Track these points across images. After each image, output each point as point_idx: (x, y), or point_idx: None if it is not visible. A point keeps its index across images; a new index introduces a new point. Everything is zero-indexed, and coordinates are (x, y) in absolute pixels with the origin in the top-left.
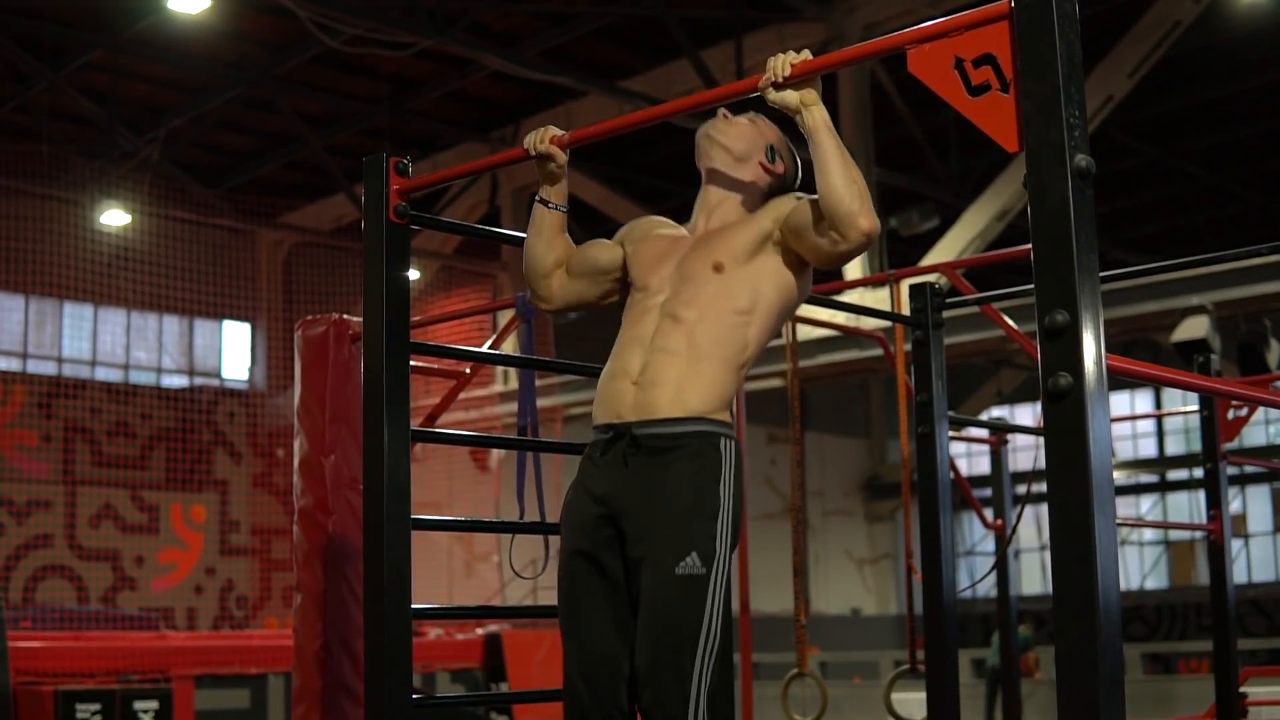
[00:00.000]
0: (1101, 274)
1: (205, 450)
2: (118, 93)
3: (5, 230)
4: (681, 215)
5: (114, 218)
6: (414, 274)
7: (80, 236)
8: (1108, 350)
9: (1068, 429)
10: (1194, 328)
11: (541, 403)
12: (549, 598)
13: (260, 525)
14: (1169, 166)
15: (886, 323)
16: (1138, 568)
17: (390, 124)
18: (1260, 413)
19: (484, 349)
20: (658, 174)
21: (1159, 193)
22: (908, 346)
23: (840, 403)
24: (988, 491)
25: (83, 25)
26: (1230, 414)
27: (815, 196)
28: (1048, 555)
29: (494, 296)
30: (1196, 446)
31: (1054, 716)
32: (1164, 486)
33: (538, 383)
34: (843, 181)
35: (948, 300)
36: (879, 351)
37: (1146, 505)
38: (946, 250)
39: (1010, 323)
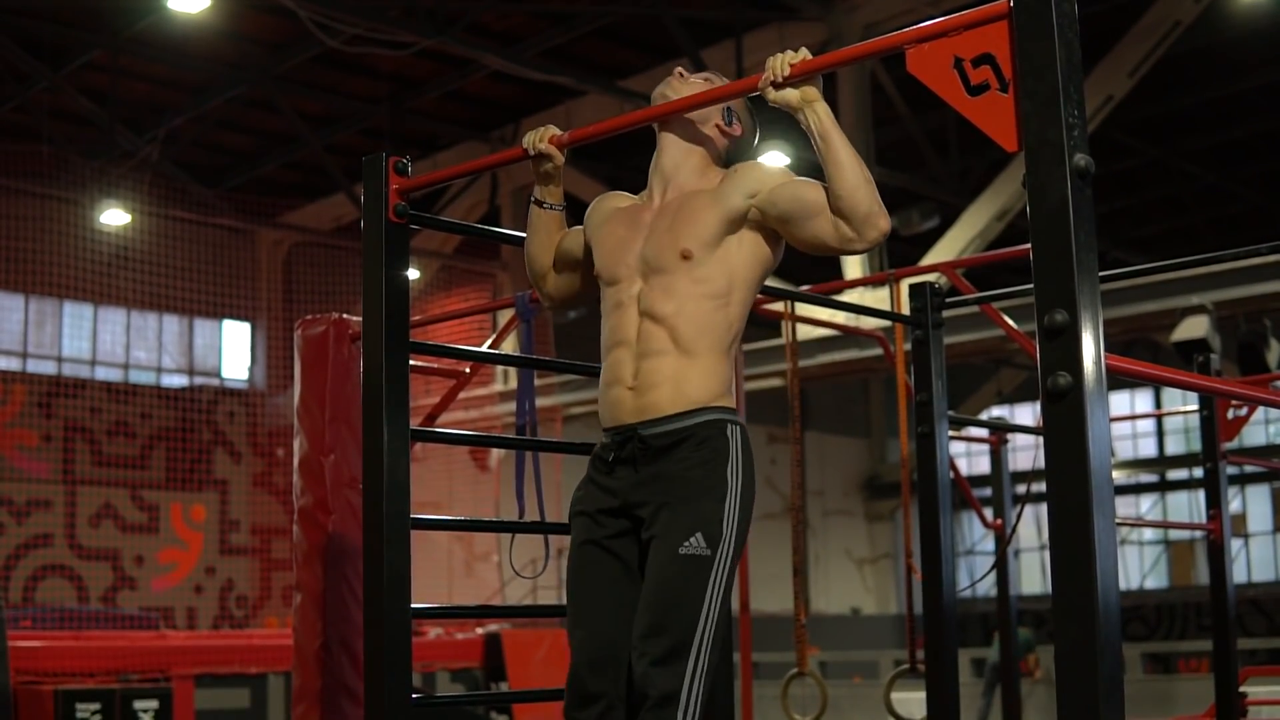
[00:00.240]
0: (1101, 274)
1: (205, 450)
2: (118, 92)
3: (5, 230)
4: None
5: (114, 217)
6: (414, 273)
7: (80, 236)
8: (1107, 350)
9: (1067, 428)
10: (1194, 327)
11: (541, 402)
12: (549, 597)
13: (260, 525)
14: (1169, 166)
15: (886, 322)
16: (1137, 567)
17: (390, 123)
18: (1260, 412)
19: (483, 348)
20: None
21: (1159, 192)
22: (908, 346)
23: (840, 402)
24: (987, 491)
25: (83, 25)
26: (1230, 413)
27: (804, 179)
28: (1047, 555)
29: (493, 296)
30: (1196, 446)
31: (1054, 716)
32: (1164, 486)
33: (537, 382)
34: (859, 180)
35: (948, 300)
36: (879, 351)
37: (1146, 505)
38: (946, 250)
39: (1010, 322)
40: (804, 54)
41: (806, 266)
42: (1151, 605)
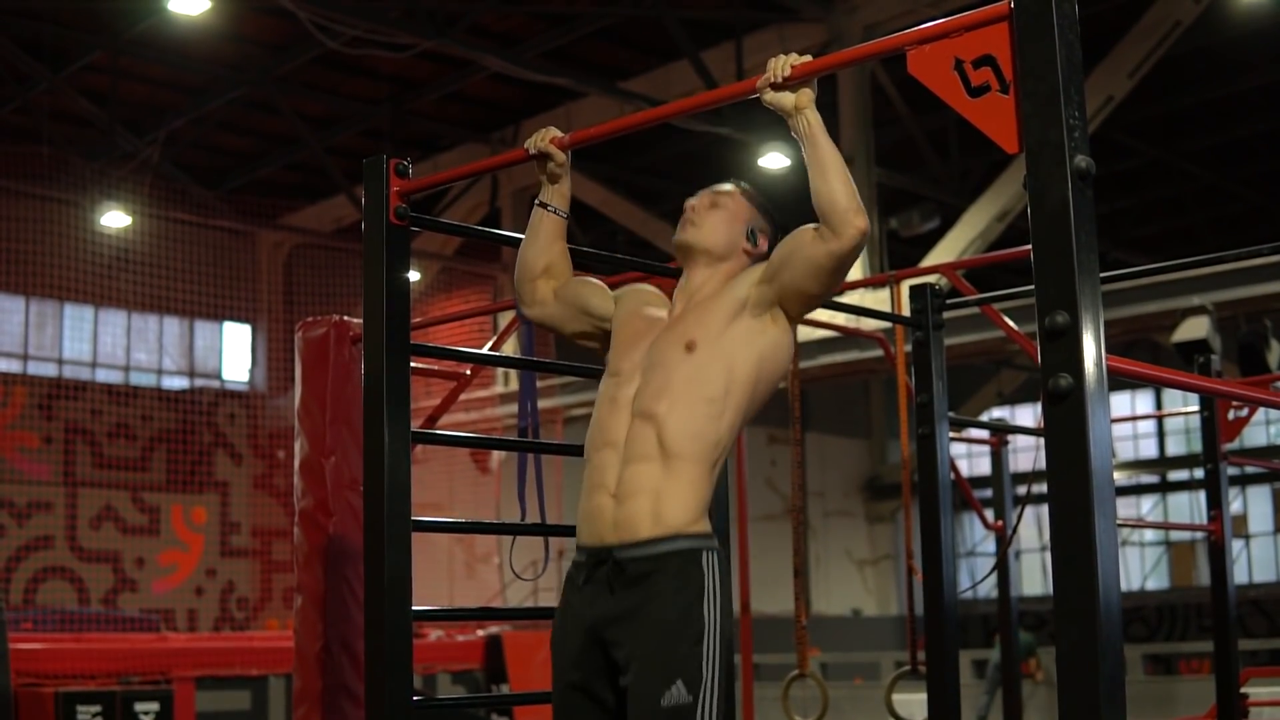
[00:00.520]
0: (1102, 274)
1: (206, 452)
2: (118, 94)
3: (5, 232)
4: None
5: (114, 219)
6: (414, 275)
7: (80, 238)
8: (1108, 351)
9: (1068, 430)
10: (1194, 328)
11: (542, 404)
12: (550, 599)
13: (261, 527)
14: (1169, 167)
15: (887, 324)
16: (1138, 568)
17: (390, 125)
18: (1261, 413)
19: (484, 350)
20: (658, 175)
21: (1159, 193)
22: (908, 347)
23: (841, 403)
24: (988, 492)
25: (83, 27)
26: (1231, 414)
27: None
28: (1048, 556)
29: (494, 298)
30: (1197, 447)
31: (1055, 717)
32: (1165, 487)
33: (538, 384)
34: (840, 182)
35: (948, 301)
36: (879, 352)
37: (1147, 506)
38: (947, 251)
39: (1010, 323)
40: (806, 58)
41: None
42: (1152, 606)
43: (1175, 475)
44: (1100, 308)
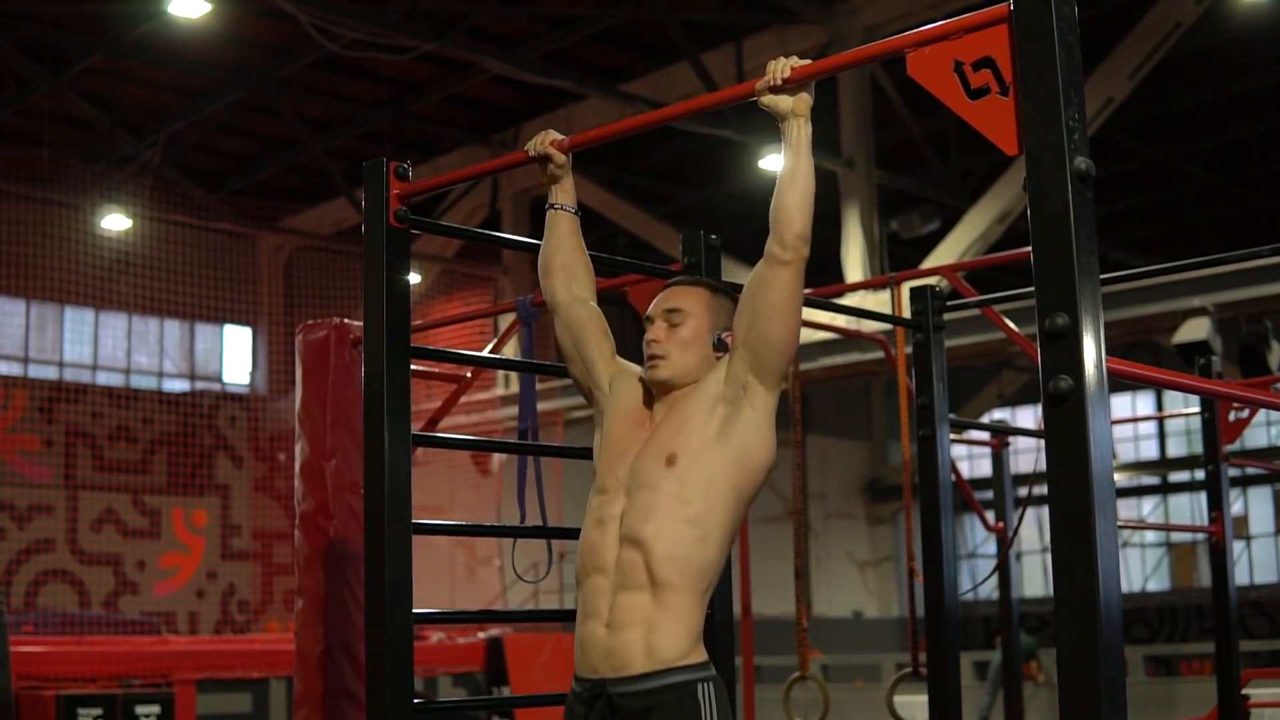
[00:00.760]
0: (1102, 276)
1: (206, 454)
2: (118, 97)
3: (6, 235)
4: (681, 219)
5: (115, 222)
6: (415, 278)
7: (81, 241)
8: (1109, 352)
9: (1069, 432)
10: (1195, 329)
11: (543, 406)
12: (551, 601)
13: (261, 529)
14: (1169, 168)
15: (887, 325)
16: (1139, 569)
17: (391, 128)
18: (1261, 414)
19: (485, 353)
20: (658, 177)
21: (1159, 194)
22: (909, 349)
23: (841, 405)
24: (989, 494)
25: (83, 30)
26: (1231, 416)
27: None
28: (1049, 557)
29: (495, 300)
30: (1198, 448)
31: (1056, 719)
32: (1165, 488)
33: (539, 386)
34: (806, 202)
35: (948, 303)
36: (880, 354)
37: (1148, 507)
38: (947, 253)
39: (1011, 325)
40: (805, 61)
41: (807, 270)
42: (1153, 607)
43: (1176, 477)
44: (1100, 309)
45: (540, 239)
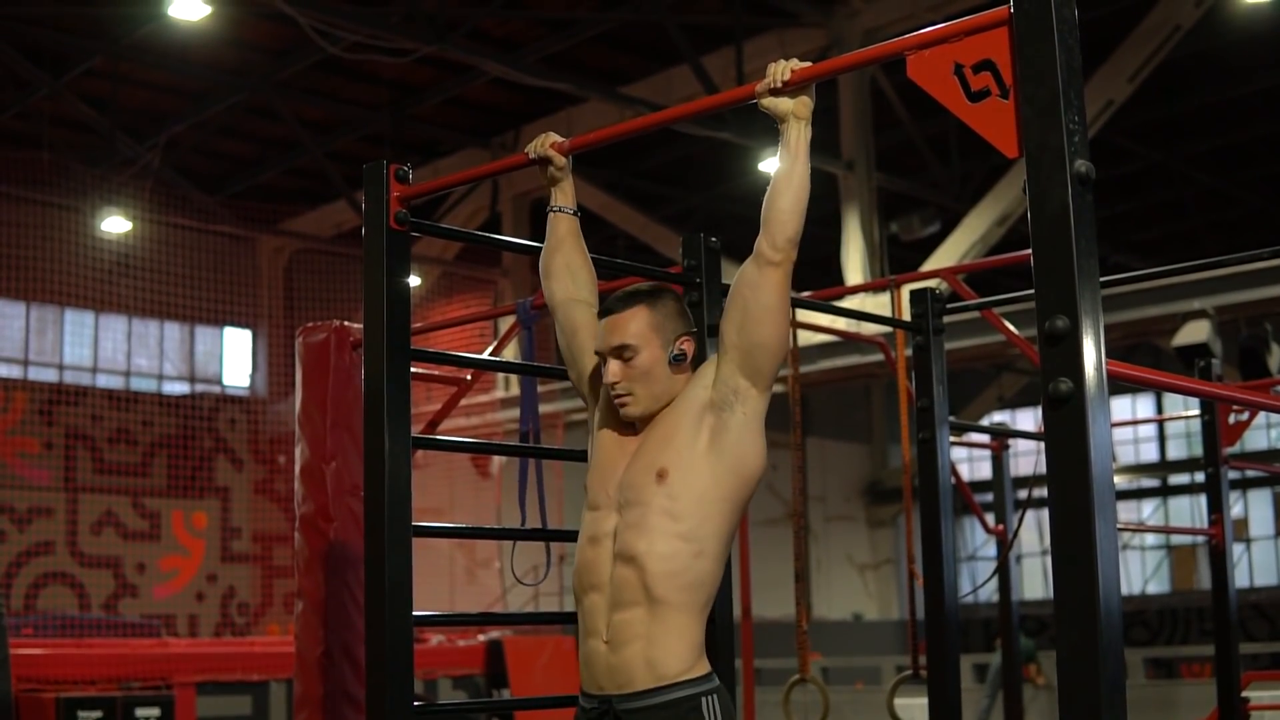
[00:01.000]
0: (1102, 279)
1: (206, 457)
2: (118, 99)
3: (6, 237)
4: (681, 221)
5: (115, 224)
6: (415, 280)
7: (81, 243)
8: (1109, 355)
9: (1069, 434)
10: (1195, 332)
11: (543, 409)
12: (551, 604)
13: (261, 532)
14: (1169, 171)
15: (887, 328)
16: (1139, 572)
17: (391, 130)
18: (1261, 417)
19: (485, 355)
20: (658, 180)
21: (1159, 197)
22: (909, 351)
23: (841, 408)
24: (989, 496)
25: (83, 32)
26: (1231, 418)
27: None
28: (1049, 560)
29: (495, 303)
30: (1198, 451)
31: None
32: (1165, 491)
33: (539, 389)
34: (801, 207)
35: (948, 305)
36: (880, 357)
37: (1148, 509)
38: (947, 255)
39: (1011, 328)
40: (805, 63)
41: (807, 272)
42: (1153, 610)
43: (1176, 479)
44: (1100, 312)
45: (540, 241)
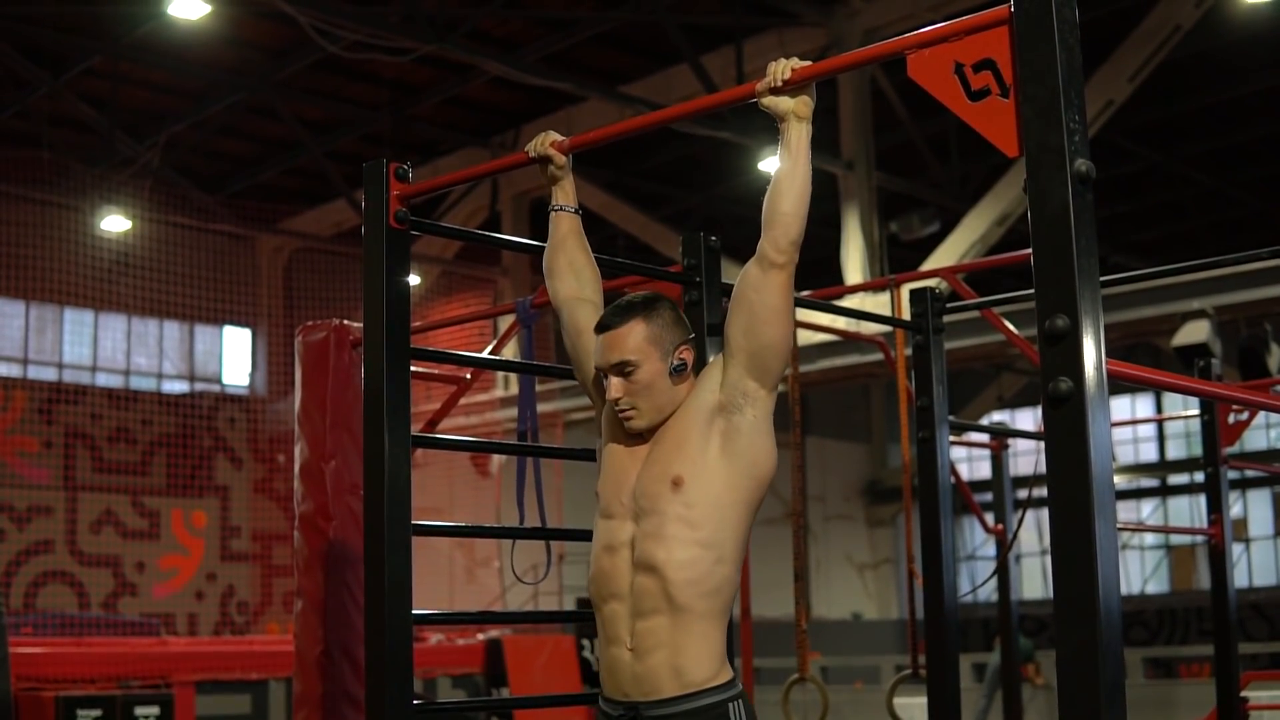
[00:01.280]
0: (1102, 278)
1: (206, 456)
2: (118, 99)
3: (6, 236)
4: (681, 221)
5: (114, 223)
6: (414, 279)
7: (81, 242)
8: (1108, 355)
9: (1068, 434)
10: (1195, 332)
11: (542, 408)
12: (550, 603)
13: (261, 531)
14: (1169, 171)
15: (887, 327)
16: (1139, 572)
17: (390, 130)
18: (1261, 417)
19: (485, 354)
20: (658, 179)
21: (1159, 197)
22: (908, 351)
23: (841, 407)
24: (988, 496)
25: (83, 31)
26: (1231, 418)
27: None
28: (1049, 560)
29: (494, 302)
30: (1197, 450)
31: None
32: (1165, 491)
33: (538, 388)
34: (803, 208)
35: (948, 305)
36: (880, 356)
37: (1147, 509)
38: (947, 255)
39: (1011, 327)
40: (806, 62)
41: (807, 272)
42: (1153, 610)
43: (1175, 479)
44: (1100, 312)
45: (540, 241)
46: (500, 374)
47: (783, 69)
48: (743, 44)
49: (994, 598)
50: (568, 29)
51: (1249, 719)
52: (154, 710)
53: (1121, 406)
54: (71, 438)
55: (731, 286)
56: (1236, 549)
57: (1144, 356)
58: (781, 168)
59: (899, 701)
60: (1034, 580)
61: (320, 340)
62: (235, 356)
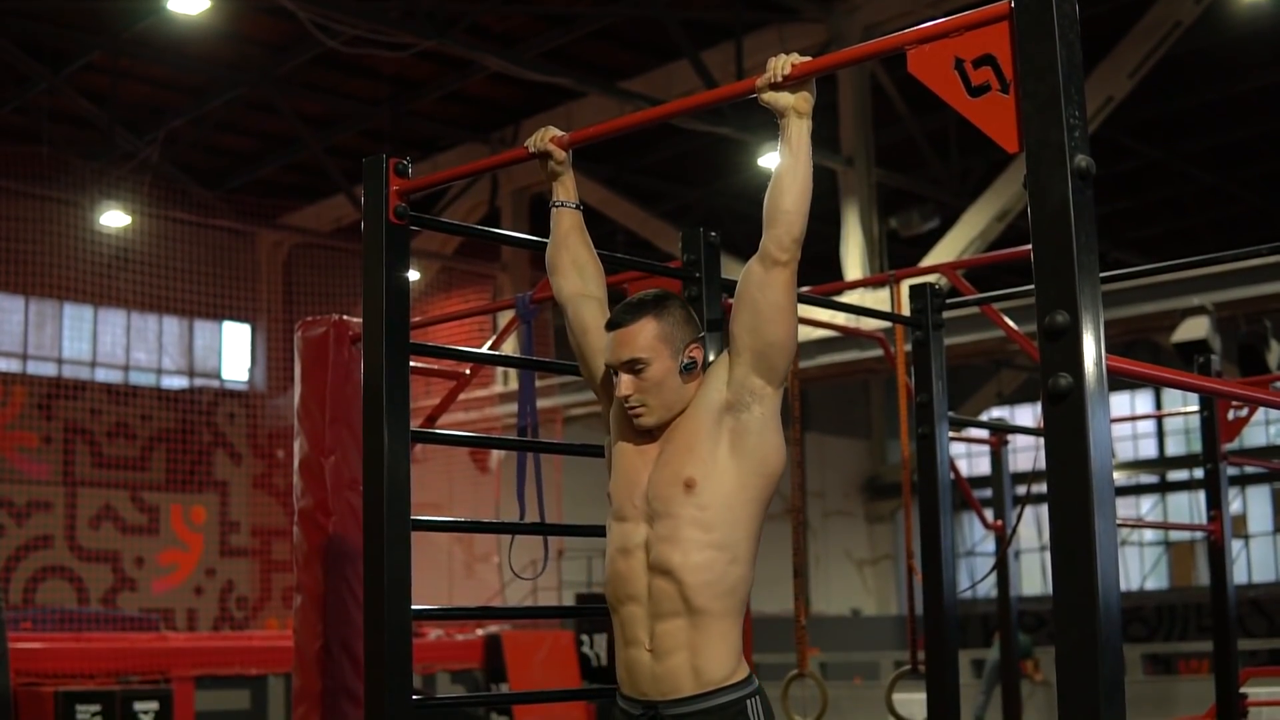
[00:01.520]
0: (1102, 275)
1: (205, 451)
2: (117, 94)
3: (5, 231)
4: (680, 216)
5: (114, 219)
6: (414, 275)
7: (80, 238)
8: (1108, 351)
9: (1068, 430)
10: (1194, 328)
11: (541, 403)
12: (549, 599)
13: (260, 526)
14: (1169, 167)
15: (887, 323)
16: (1138, 568)
17: (390, 125)
18: (1260, 413)
19: (484, 350)
20: (657, 175)
21: (1159, 193)
22: (908, 347)
23: (841, 403)
24: (988, 492)
25: (82, 27)
26: (1230, 414)
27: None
28: (1048, 556)
29: (494, 297)
30: (1197, 447)
31: (1054, 718)
32: (1164, 487)
33: (537, 383)
34: (805, 205)
35: (948, 301)
36: (879, 352)
37: (1147, 506)
38: (947, 251)
39: (1010, 323)
40: (806, 58)
41: (807, 268)
42: (1152, 606)
43: (1175, 475)
44: (1100, 308)
45: (540, 236)
46: (500, 369)
47: (783, 64)
48: (743, 40)
49: (993, 593)
50: (568, 24)
51: (1248, 715)
52: (153, 705)
53: (1121, 403)
54: (71, 433)
55: (731, 282)
56: (1236, 545)
57: (1143, 353)
58: (782, 164)
59: (898, 697)
60: (1033, 576)
61: (320, 336)
62: (235, 352)
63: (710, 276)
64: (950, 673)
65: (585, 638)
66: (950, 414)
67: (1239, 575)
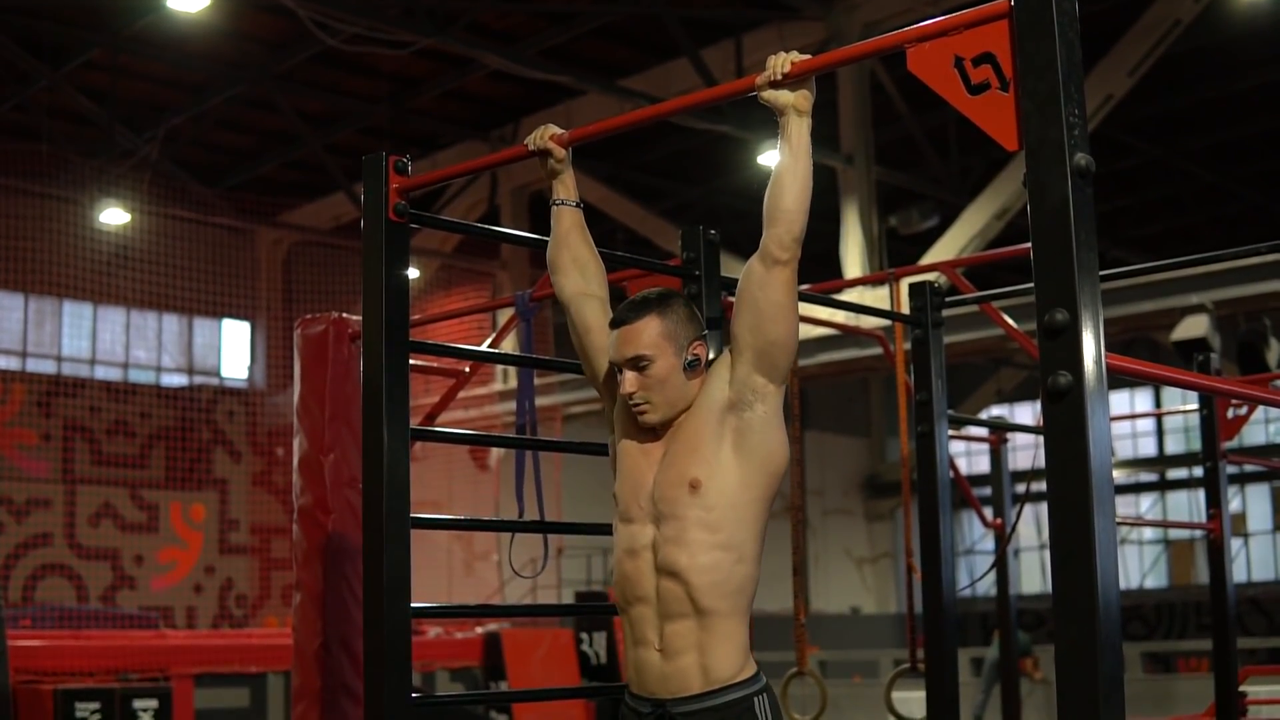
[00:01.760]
0: (1101, 273)
1: (204, 449)
2: (117, 91)
3: (5, 229)
4: (680, 214)
5: (113, 216)
6: (413, 273)
7: (80, 235)
8: (1107, 349)
9: (1067, 428)
10: (1193, 326)
11: (541, 401)
12: (548, 596)
13: (260, 524)
14: (1168, 165)
15: (886, 321)
16: (1137, 566)
17: (390, 123)
18: (1260, 411)
19: (483, 348)
20: (657, 173)
21: (1158, 192)
22: (907, 345)
23: (840, 401)
24: (987, 490)
25: (82, 24)
26: (1230, 413)
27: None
28: (1047, 554)
29: (493, 295)
30: (1196, 445)
31: (1053, 716)
32: (1163, 485)
33: (537, 381)
34: (802, 204)
35: (947, 299)
36: (879, 350)
37: (1146, 504)
38: (946, 249)
39: (1010, 321)
40: (805, 56)
41: (806, 266)
42: (1151, 604)
43: (1174, 473)
44: (1100, 306)
45: (540, 234)
46: (499, 367)
47: (782, 62)
48: (742, 38)
49: (992, 592)
50: (567, 22)
51: (1247, 713)
52: (152, 703)
53: (1120, 401)
54: (70, 430)
55: (731, 280)
56: (1235, 544)
57: (1143, 351)
58: (782, 163)
59: (897, 695)
60: (1032, 574)
61: (319, 333)
62: (234, 349)
63: (710, 274)
64: (949, 671)
65: (584, 636)
66: (950, 412)
67: (1238, 574)
